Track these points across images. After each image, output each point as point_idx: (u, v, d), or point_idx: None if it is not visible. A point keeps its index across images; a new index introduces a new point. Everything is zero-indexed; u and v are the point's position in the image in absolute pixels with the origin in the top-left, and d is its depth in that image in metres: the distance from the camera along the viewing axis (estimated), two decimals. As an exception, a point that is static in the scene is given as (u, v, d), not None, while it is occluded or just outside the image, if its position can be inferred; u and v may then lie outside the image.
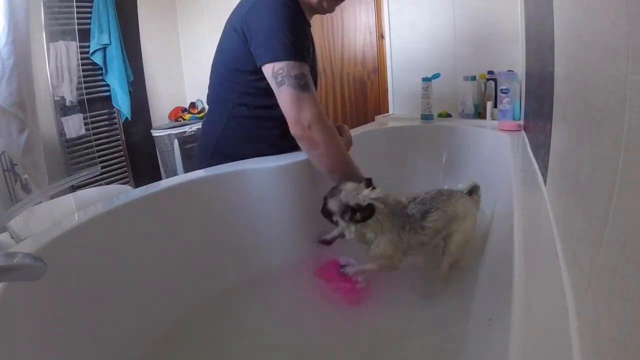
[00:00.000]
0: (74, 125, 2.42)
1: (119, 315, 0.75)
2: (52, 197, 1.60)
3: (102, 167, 2.51)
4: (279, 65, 0.95)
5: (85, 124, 2.48)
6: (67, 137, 2.39)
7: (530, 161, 1.03)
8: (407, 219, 0.89)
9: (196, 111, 3.05)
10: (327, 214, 0.91)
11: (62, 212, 1.49)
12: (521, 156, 1.10)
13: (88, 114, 2.52)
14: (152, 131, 2.85)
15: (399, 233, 0.88)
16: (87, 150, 2.52)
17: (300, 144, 1.01)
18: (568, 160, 0.58)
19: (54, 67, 2.33)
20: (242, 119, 1.10)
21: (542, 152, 0.89)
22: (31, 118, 1.70)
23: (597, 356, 0.34)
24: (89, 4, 2.48)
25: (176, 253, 0.91)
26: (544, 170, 0.84)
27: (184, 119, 3.03)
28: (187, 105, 3.13)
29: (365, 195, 0.87)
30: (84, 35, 2.49)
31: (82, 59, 2.48)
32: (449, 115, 1.79)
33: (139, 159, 2.85)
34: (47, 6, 2.28)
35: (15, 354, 0.52)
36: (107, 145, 2.67)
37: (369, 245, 0.90)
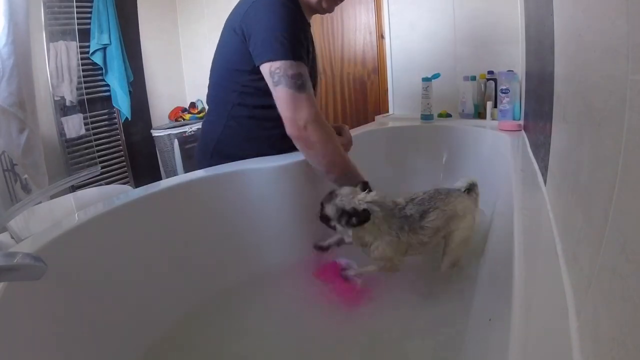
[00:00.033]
0: (74, 125, 2.42)
1: (119, 315, 0.75)
2: (52, 197, 1.60)
3: (102, 167, 2.51)
4: (275, 64, 0.95)
5: (85, 124, 2.48)
6: (67, 137, 2.39)
7: (530, 161, 1.03)
8: (406, 219, 0.89)
9: (196, 111, 3.05)
10: (324, 219, 0.92)
11: (62, 212, 1.49)
12: (521, 156, 1.10)
13: (88, 114, 2.52)
14: (152, 131, 2.85)
15: (397, 234, 0.88)
16: (87, 150, 2.52)
17: (296, 144, 1.00)
18: (568, 160, 0.58)
19: (54, 67, 2.33)
20: (241, 119, 1.10)
21: (542, 152, 0.89)
22: (31, 118, 1.71)
23: (597, 356, 0.34)
24: (89, 4, 2.48)
25: (176, 253, 0.91)
26: (544, 170, 0.84)
27: (184, 119, 3.03)
28: (187, 105, 3.13)
29: (361, 198, 0.87)
30: (84, 35, 2.49)
31: (82, 59, 2.48)
32: (449, 115, 1.79)
33: (139, 159, 2.85)
34: (47, 6, 2.28)
35: (15, 354, 0.52)
36: (107, 145, 2.67)
37: (368, 248, 0.90)
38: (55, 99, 2.36)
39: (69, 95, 2.39)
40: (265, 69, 0.97)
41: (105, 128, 2.67)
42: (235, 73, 1.05)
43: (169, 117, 3.08)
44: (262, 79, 0.99)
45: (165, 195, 0.93)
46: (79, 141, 2.47)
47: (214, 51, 1.13)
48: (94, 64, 2.56)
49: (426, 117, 1.74)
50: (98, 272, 0.74)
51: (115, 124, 2.72)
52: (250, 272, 1.05)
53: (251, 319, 0.91)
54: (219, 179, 1.02)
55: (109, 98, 2.65)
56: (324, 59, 2.55)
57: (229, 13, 1.09)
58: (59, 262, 0.65)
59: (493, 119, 1.61)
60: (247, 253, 1.05)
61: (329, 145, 1.00)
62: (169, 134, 2.78)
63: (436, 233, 0.91)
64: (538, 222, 0.69)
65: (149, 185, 0.94)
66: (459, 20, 1.86)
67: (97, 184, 2.42)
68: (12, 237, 1.19)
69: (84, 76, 2.49)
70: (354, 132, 1.39)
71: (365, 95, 2.48)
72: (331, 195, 0.90)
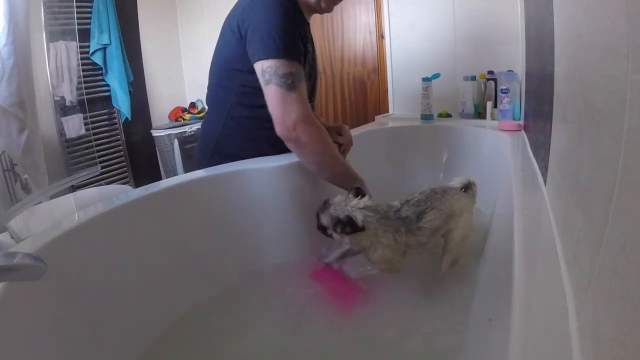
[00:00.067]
0: (74, 125, 2.42)
1: (119, 315, 0.75)
2: (52, 197, 1.60)
3: (102, 167, 2.50)
4: (267, 63, 0.95)
5: (85, 124, 2.48)
6: (67, 137, 2.39)
7: (530, 161, 1.03)
8: (402, 221, 0.90)
9: (196, 111, 3.05)
10: (321, 229, 0.93)
11: (62, 212, 1.49)
12: (521, 156, 1.10)
13: (88, 114, 2.52)
14: (152, 131, 2.85)
15: (394, 236, 0.88)
16: (87, 150, 2.52)
17: (286, 144, 1.00)
18: (568, 160, 0.58)
19: (54, 67, 2.33)
20: (241, 119, 1.10)
21: (542, 152, 0.89)
22: (31, 118, 1.71)
23: (597, 356, 0.34)
24: (89, 4, 2.48)
25: (176, 253, 0.91)
26: (544, 170, 0.84)
27: (184, 119, 3.03)
28: (187, 105, 3.13)
29: (354, 205, 0.88)
30: (84, 35, 2.49)
31: (82, 59, 2.48)
32: (449, 115, 1.79)
33: (139, 159, 2.85)
34: (47, 6, 2.28)
35: (15, 354, 0.52)
36: (107, 145, 2.66)
37: (367, 252, 0.91)
38: (55, 99, 2.36)
39: (69, 95, 2.39)
40: (258, 67, 0.97)
41: (105, 128, 2.67)
42: (234, 73, 1.05)
43: (169, 117, 3.08)
44: None
45: (165, 195, 0.93)
46: (79, 141, 2.46)
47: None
48: (94, 64, 2.56)
49: (426, 117, 1.74)
50: (98, 272, 0.74)
51: (115, 124, 2.72)
52: (250, 272, 1.05)
53: (251, 319, 0.91)
54: (219, 179, 1.02)
55: (109, 98, 2.65)
56: (324, 59, 2.55)
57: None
58: (59, 262, 0.65)
59: (493, 119, 1.61)
60: (247, 253, 1.05)
61: (319, 145, 0.99)
62: (169, 134, 2.78)
63: (434, 233, 0.92)
64: (538, 222, 0.69)
65: (149, 185, 0.94)
66: (459, 20, 1.86)
67: (97, 184, 2.42)
68: (12, 237, 1.19)
69: (84, 76, 2.49)
70: (354, 132, 1.39)
71: (365, 95, 2.48)
72: (325, 205, 0.91)
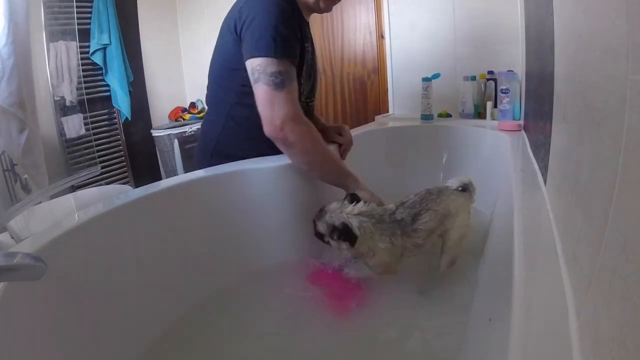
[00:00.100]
0: (74, 125, 2.42)
1: (118, 315, 0.75)
2: (52, 197, 1.60)
3: (102, 167, 2.51)
4: (257, 61, 0.95)
5: (85, 124, 2.48)
6: (67, 137, 2.39)
7: (530, 161, 1.03)
8: (397, 224, 0.90)
9: (196, 111, 3.05)
10: (318, 236, 0.94)
11: (62, 212, 1.49)
12: (521, 156, 1.10)
13: (88, 114, 2.52)
14: (152, 131, 2.85)
15: (391, 240, 0.89)
16: (87, 150, 2.52)
17: (276, 144, 0.99)
18: (568, 160, 0.58)
19: (54, 67, 2.33)
20: (240, 119, 1.10)
21: (542, 152, 0.89)
22: (31, 118, 1.71)
23: (597, 356, 0.34)
24: (89, 4, 2.48)
25: (176, 253, 0.91)
26: (544, 170, 0.84)
27: (184, 119, 3.03)
28: (187, 105, 3.13)
29: (349, 212, 0.88)
30: (84, 35, 2.49)
31: (82, 59, 2.48)
32: (449, 115, 1.79)
33: (139, 159, 2.85)
34: (47, 6, 2.28)
35: (14, 354, 0.52)
36: (107, 145, 2.67)
37: (365, 257, 0.91)
38: (55, 99, 2.36)
39: (69, 95, 2.39)
40: (248, 66, 0.96)
41: (105, 128, 2.67)
42: (233, 72, 1.05)
43: (169, 117, 3.09)
44: None
45: (165, 195, 0.93)
46: (79, 141, 2.47)
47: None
48: (94, 64, 2.57)
49: (426, 117, 1.74)
50: (98, 272, 0.74)
51: (115, 124, 2.72)
52: (250, 272, 1.05)
53: (251, 319, 0.91)
54: (219, 179, 1.02)
55: (109, 98, 2.65)
56: (324, 59, 2.55)
57: (228, 13, 1.09)
58: (59, 262, 0.65)
59: (493, 119, 1.61)
60: (247, 253, 1.05)
61: (308, 145, 0.99)
62: (169, 134, 2.78)
63: (430, 234, 0.92)
64: (538, 222, 0.69)
65: (149, 185, 0.94)
66: (459, 20, 1.86)
67: (97, 184, 2.42)
68: (12, 237, 1.19)
69: (84, 76, 2.49)
70: (354, 132, 1.39)
71: (365, 95, 2.48)
72: (321, 213, 0.92)
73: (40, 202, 1.49)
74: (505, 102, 1.54)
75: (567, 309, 0.45)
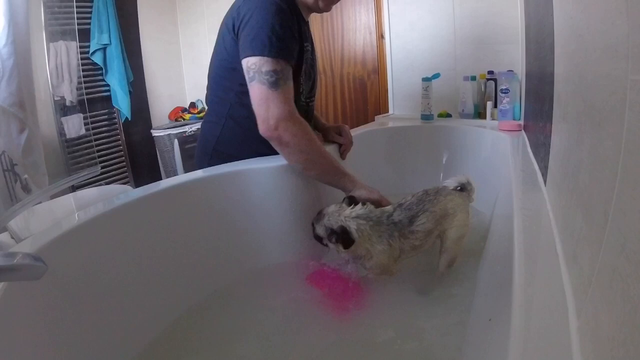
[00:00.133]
0: (74, 125, 2.42)
1: (118, 315, 0.75)
2: (52, 197, 1.60)
3: (102, 167, 2.50)
4: (252, 60, 0.94)
5: (85, 124, 2.48)
6: (67, 137, 2.39)
7: (530, 161, 1.03)
8: (395, 226, 0.90)
9: (196, 111, 3.05)
10: (317, 238, 0.94)
11: (62, 212, 1.49)
12: (521, 156, 1.10)
13: (88, 114, 2.52)
14: (152, 131, 2.85)
15: (388, 242, 0.89)
16: (87, 150, 2.52)
17: (271, 143, 0.99)
18: (568, 160, 0.58)
19: (54, 67, 2.33)
20: (240, 119, 1.09)
21: (542, 152, 0.89)
22: (31, 118, 1.70)
23: (597, 356, 0.34)
24: (89, 4, 2.48)
25: (176, 253, 0.91)
26: (544, 170, 0.84)
27: (184, 119, 3.03)
28: (187, 105, 3.13)
29: (347, 215, 0.89)
30: (84, 35, 2.49)
31: (82, 59, 2.48)
32: (449, 115, 1.79)
33: (139, 159, 2.85)
34: (47, 6, 2.27)
35: (14, 354, 0.52)
36: (107, 145, 2.67)
37: (362, 260, 0.92)
38: (55, 99, 2.35)
39: (69, 95, 2.39)
40: (244, 65, 0.96)
41: (105, 128, 2.67)
42: (232, 72, 1.05)
43: (169, 117, 3.09)
44: None
45: (165, 195, 0.93)
46: (79, 141, 2.46)
47: (213, 51, 1.13)
48: (94, 64, 2.57)
49: (426, 117, 1.74)
50: (98, 272, 0.74)
51: (115, 124, 2.72)
52: (250, 271, 1.05)
53: (251, 319, 0.91)
54: (219, 179, 1.02)
55: (109, 98, 2.65)
56: (324, 59, 2.55)
57: (228, 13, 1.09)
58: (59, 262, 0.65)
59: (493, 119, 1.62)
60: (247, 253, 1.05)
61: (303, 144, 0.99)
62: (169, 134, 2.78)
63: (428, 235, 0.92)
64: (538, 222, 0.69)
65: (149, 185, 0.94)
66: (459, 20, 1.86)
67: (97, 184, 2.42)
68: (12, 237, 1.19)
69: (84, 76, 2.49)
70: (354, 132, 1.39)
71: (365, 95, 2.48)
72: (320, 216, 0.93)
73: (40, 202, 1.49)
74: (505, 102, 1.54)
75: (567, 309, 0.45)
